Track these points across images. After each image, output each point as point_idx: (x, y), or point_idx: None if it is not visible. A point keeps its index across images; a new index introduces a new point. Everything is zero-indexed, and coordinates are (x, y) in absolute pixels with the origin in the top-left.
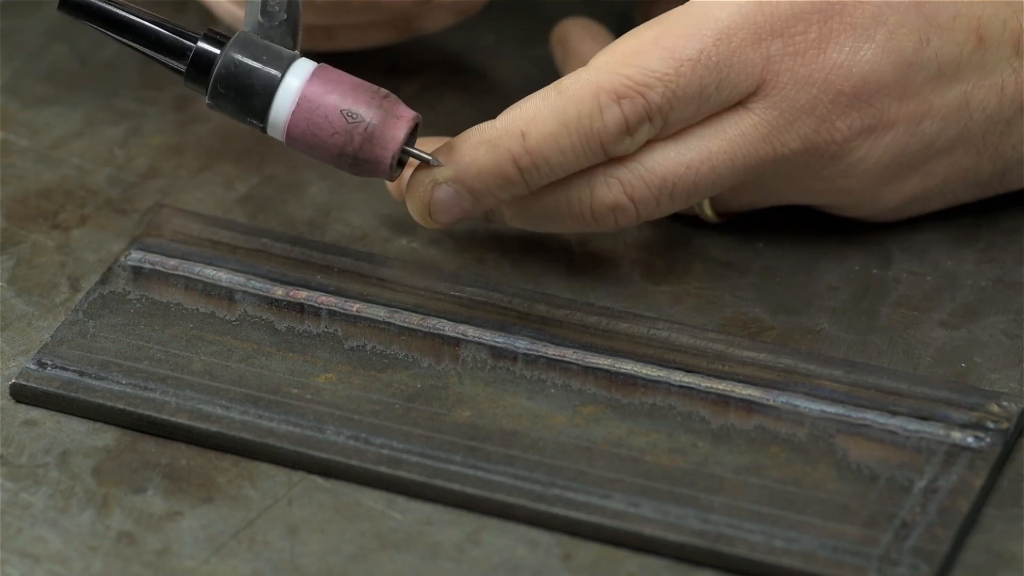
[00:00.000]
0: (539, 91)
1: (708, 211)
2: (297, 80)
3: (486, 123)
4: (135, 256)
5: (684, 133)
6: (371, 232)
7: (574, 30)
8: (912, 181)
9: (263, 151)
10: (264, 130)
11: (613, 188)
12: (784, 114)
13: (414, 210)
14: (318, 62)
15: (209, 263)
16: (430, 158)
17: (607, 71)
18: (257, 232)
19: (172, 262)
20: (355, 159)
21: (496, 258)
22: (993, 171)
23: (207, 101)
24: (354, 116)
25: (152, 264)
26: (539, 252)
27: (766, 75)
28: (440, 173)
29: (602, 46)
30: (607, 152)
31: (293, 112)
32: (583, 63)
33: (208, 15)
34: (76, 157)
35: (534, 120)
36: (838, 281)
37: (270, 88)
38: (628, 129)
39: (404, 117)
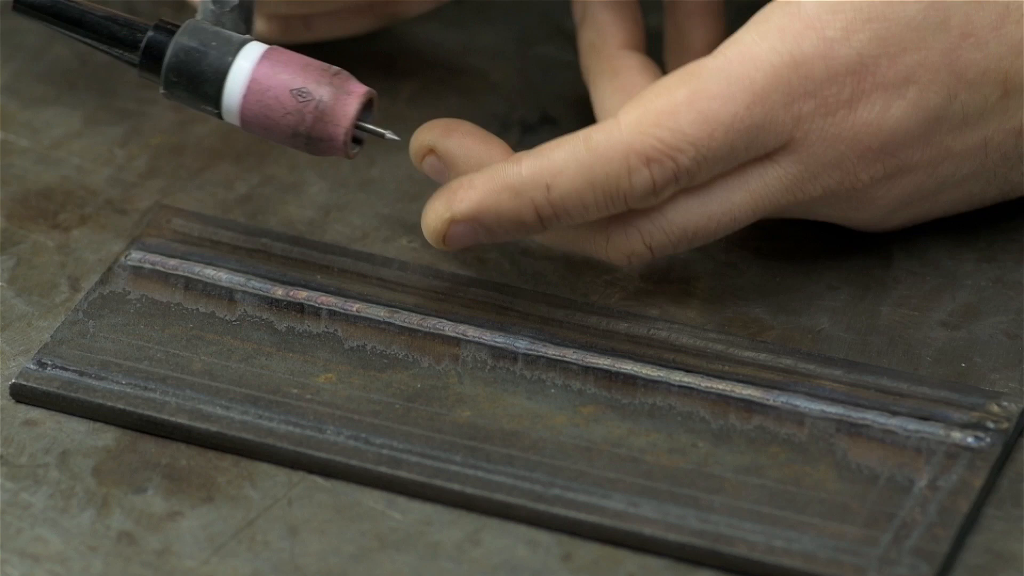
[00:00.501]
0: (568, 138)
1: None
2: (247, 63)
3: (511, 166)
4: (135, 256)
5: (707, 185)
6: (371, 232)
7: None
8: (922, 208)
9: (263, 151)
10: (220, 116)
11: (632, 237)
12: (810, 168)
13: (429, 237)
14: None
15: (209, 263)
16: (385, 133)
17: (639, 132)
18: (257, 232)
19: (172, 262)
20: (308, 138)
21: (496, 258)
22: (999, 193)
23: (161, 91)
24: (304, 94)
25: (152, 264)
26: (539, 252)
27: (795, 133)
28: (459, 214)
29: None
30: (629, 207)
31: (244, 95)
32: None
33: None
34: (76, 157)
35: (561, 174)
36: (838, 281)
37: (220, 72)
38: (655, 191)
39: (355, 92)
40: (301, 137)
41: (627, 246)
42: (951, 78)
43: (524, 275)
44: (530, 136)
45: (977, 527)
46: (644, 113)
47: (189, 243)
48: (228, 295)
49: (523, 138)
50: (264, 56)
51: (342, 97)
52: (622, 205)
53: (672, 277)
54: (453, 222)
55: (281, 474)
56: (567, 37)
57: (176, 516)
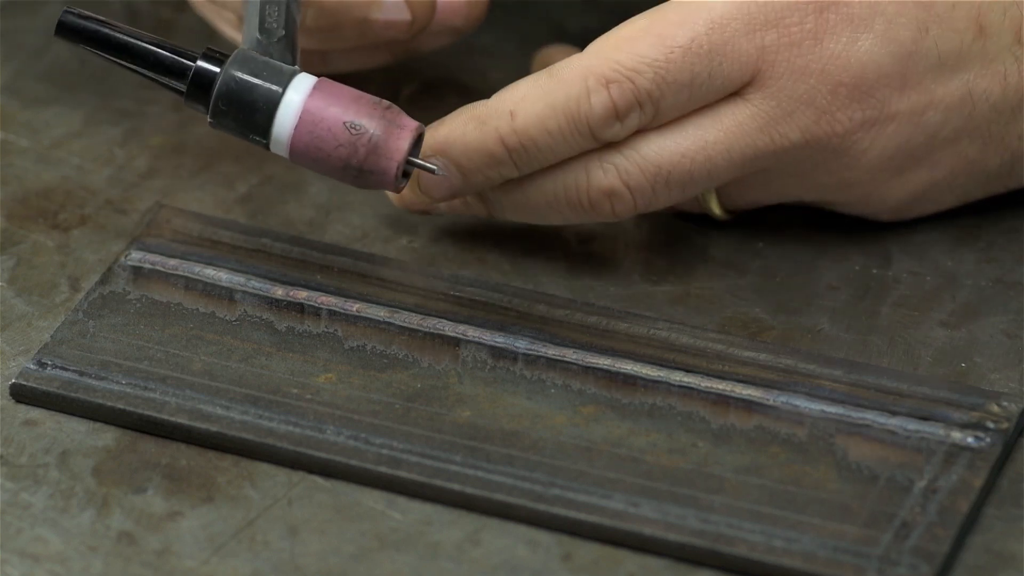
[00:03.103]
0: (533, 74)
1: (716, 208)
2: (298, 95)
3: (479, 101)
4: (135, 256)
5: (680, 122)
6: (371, 232)
7: (556, 55)
8: (919, 173)
9: (263, 151)
10: (267, 146)
11: (609, 174)
12: (782, 104)
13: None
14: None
15: (209, 263)
16: (435, 168)
17: (598, 56)
18: (257, 232)
19: (172, 262)
20: (360, 171)
21: (496, 258)
22: (1001, 163)
23: (209, 120)
24: (357, 128)
25: (152, 264)
26: (539, 252)
27: (761, 65)
28: (427, 146)
29: None
30: (596, 137)
31: (296, 126)
32: None
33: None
34: (76, 157)
35: (523, 100)
36: (838, 281)
37: (272, 104)
38: (617, 114)
39: (407, 127)
40: (352, 170)
41: (605, 182)
42: (919, 10)
43: (524, 275)
44: None
45: (977, 527)
46: (605, 40)
47: (189, 243)
48: (228, 295)
49: None
50: (316, 88)
51: (394, 131)
52: (586, 131)
53: (672, 277)
54: (425, 157)
55: (281, 474)
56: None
57: (176, 516)
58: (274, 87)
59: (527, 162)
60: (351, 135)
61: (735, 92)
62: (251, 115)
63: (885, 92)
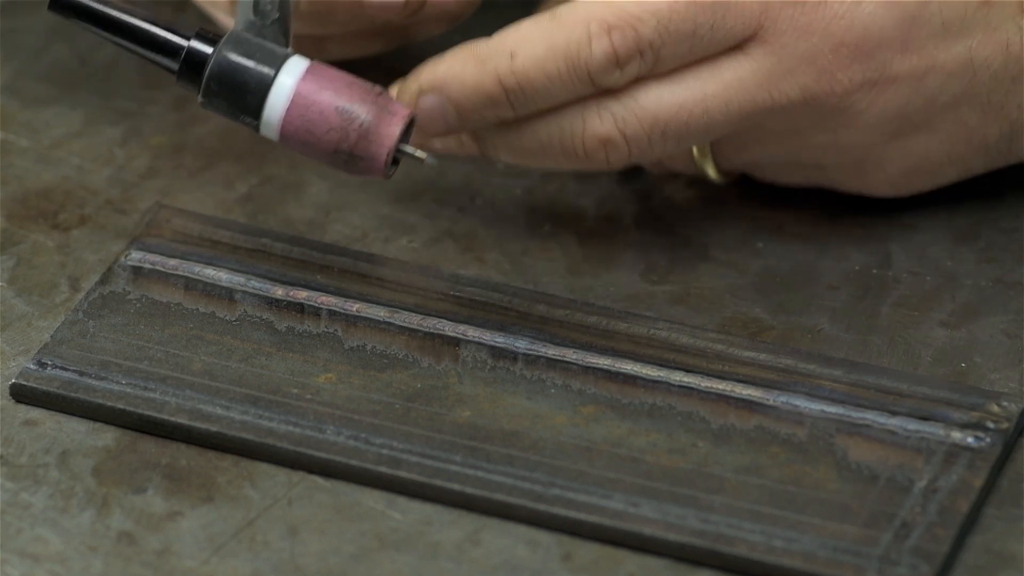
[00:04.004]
0: (535, 15)
1: (711, 171)
2: (291, 78)
3: (480, 40)
4: (135, 256)
5: (679, 73)
6: (371, 232)
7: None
8: (917, 139)
9: (263, 151)
10: (257, 128)
11: (606, 121)
12: (783, 61)
13: None
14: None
15: (209, 263)
16: (425, 156)
17: (602, 2)
18: (257, 232)
19: (172, 262)
20: (350, 156)
21: (496, 258)
22: (1000, 134)
23: (200, 99)
24: (349, 113)
25: (152, 264)
26: (539, 252)
27: (764, 21)
28: (426, 81)
29: None
30: (595, 83)
31: (288, 109)
32: None
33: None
34: (76, 157)
35: (524, 41)
36: (838, 281)
37: (264, 86)
38: (617, 61)
39: (399, 114)
40: (342, 154)
41: (602, 130)
42: None
43: (524, 275)
44: None
45: (977, 527)
46: None
47: (189, 243)
48: (228, 295)
49: None
50: (308, 71)
51: (386, 117)
52: (585, 77)
53: (672, 277)
54: (421, 93)
55: (281, 474)
56: None
57: (176, 516)
58: (267, 69)
59: (524, 104)
60: (342, 120)
61: (736, 46)
62: (243, 97)
63: (887, 54)
